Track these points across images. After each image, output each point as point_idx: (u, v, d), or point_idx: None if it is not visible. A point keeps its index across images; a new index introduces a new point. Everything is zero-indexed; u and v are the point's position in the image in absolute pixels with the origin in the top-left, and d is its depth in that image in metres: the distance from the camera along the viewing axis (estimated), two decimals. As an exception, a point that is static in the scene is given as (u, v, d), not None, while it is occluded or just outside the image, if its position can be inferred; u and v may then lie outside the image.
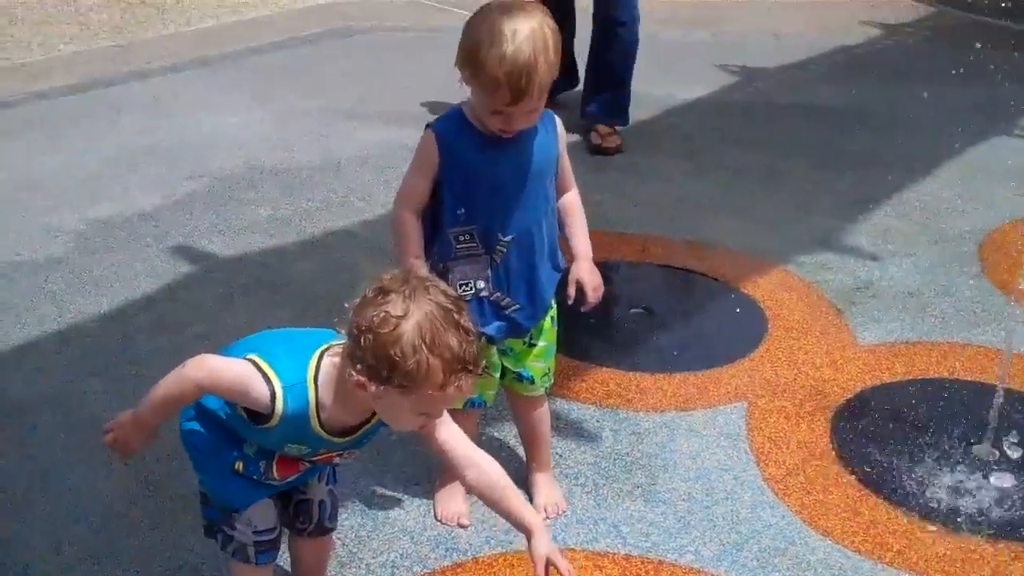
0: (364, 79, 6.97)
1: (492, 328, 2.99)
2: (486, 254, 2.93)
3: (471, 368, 2.28)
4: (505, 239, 2.92)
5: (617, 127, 5.90)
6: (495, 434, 3.57)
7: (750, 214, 5.24)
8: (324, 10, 8.51)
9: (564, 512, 3.25)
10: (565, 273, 3.10)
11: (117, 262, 4.57)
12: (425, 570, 3.03)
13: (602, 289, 3.10)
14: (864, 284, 4.62)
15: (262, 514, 2.58)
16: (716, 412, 3.74)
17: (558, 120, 3.04)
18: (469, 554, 3.09)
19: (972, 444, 3.59)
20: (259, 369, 2.38)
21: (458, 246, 2.92)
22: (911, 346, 4.17)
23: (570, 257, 3.11)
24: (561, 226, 3.09)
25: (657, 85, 6.58)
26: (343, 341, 2.35)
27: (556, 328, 3.16)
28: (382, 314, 2.24)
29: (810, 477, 3.44)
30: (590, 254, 3.10)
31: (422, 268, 2.65)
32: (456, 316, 2.27)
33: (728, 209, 5.28)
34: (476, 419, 3.27)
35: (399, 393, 2.27)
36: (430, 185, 2.92)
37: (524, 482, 3.30)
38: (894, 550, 3.16)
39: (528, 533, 2.46)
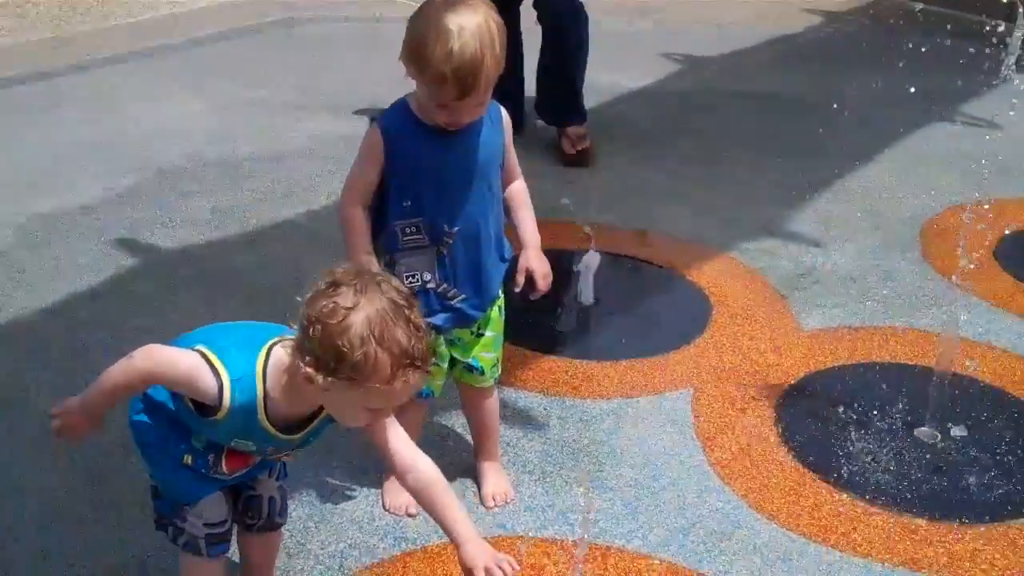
0: (307, 70, 6.93)
1: (439, 318, 2.99)
2: (432, 246, 2.93)
3: (419, 364, 2.28)
4: (451, 231, 2.92)
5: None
6: (442, 423, 3.57)
7: (694, 202, 5.27)
8: (266, 1, 8.45)
9: (512, 500, 3.26)
10: (513, 262, 3.11)
11: (59, 256, 4.53)
12: (374, 560, 3.03)
13: (551, 277, 3.11)
14: (807, 270, 4.66)
15: (213, 507, 2.57)
16: (662, 398, 3.76)
17: (503, 111, 3.04)
18: (418, 543, 3.09)
19: (914, 427, 3.64)
20: (207, 361, 2.37)
21: (404, 238, 2.92)
22: (853, 331, 4.22)
23: (518, 245, 3.12)
24: (508, 215, 3.10)
25: (602, 74, 6.58)
26: (293, 336, 2.35)
27: (503, 318, 3.17)
28: (332, 305, 2.24)
29: (755, 461, 3.47)
30: (538, 242, 3.11)
31: (373, 264, 2.65)
32: (407, 312, 2.27)
33: (672, 197, 5.31)
34: (425, 410, 3.27)
35: (346, 386, 2.26)
36: (377, 178, 2.91)
37: (472, 471, 3.31)
38: (839, 532, 3.19)
39: (457, 544, 2.44)
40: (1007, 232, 4.98)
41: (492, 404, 3.29)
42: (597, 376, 3.84)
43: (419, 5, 2.84)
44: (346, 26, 7.93)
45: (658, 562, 3.05)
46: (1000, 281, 4.60)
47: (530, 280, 3.08)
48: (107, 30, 7.63)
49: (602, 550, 3.08)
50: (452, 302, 2.99)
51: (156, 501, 2.62)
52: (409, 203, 2.89)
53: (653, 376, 3.87)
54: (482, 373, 3.16)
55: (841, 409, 3.72)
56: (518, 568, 2.44)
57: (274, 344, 2.41)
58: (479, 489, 3.28)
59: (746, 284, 4.51)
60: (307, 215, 4.98)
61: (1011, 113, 5.85)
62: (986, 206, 4.99)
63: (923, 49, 7.09)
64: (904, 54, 7.44)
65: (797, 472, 3.43)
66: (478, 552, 2.41)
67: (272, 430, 2.43)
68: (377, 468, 3.30)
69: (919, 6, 8.75)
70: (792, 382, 3.88)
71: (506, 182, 3.08)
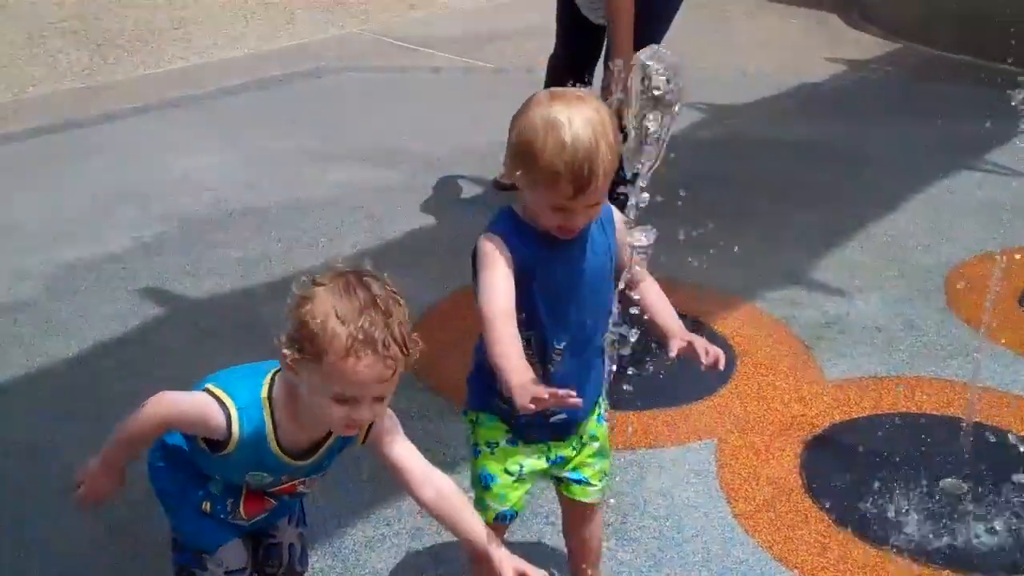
0: (333, 119, 6.98)
1: (536, 430, 2.74)
2: (540, 362, 2.64)
3: (378, 348, 2.25)
4: (559, 347, 2.67)
5: None
6: (526, 533, 3.35)
7: (717, 250, 5.26)
8: (293, 51, 8.54)
9: None
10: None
11: (86, 305, 4.56)
12: (396, 612, 3.03)
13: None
14: (832, 319, 4.65)
15: (232, 554, 2.59)
16: (686, 449, 3.75)
17: (614, 210, 2.80)
18: (440, 595, 3.09)
19: (940, 478, 3.61)
20: (214, 396, 2.42)
21: None
22: (879, 381, 4.20)
23: (663, 336, 2.80)
24: (645, 312, 2.82)
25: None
26: None
27: (605, 426, 2.92)
28: (307, 283, 2.33)
29: (780, 513, 3.45)
30: (683, 327, 2.81)
31: (529, 375, 2.42)
32: (379, 301, 2.29)
33: (696, 245, 5.29)
34: (504, 532, 2.90)
35: (311, 366, 2.28)
36: (514, 282, 2.57)
37: None
38: (864, 585, 3.17)
39: (487, 554, 2.45)
40: (1033, 281, 4.96)
41: (597, 526, 2.98)
42: (621, 426, 3.83)
43: (522, 104, 2.58)
44: (371, 76, 7.99)
45: (682, 615, 3.04)
46: (1026, 330, 4.57)
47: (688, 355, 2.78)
48: (136, 80, 7.72)
49: (626, 603, 3.08)
50: (552, 419, 2.71)
51: (175, 553, 2.64)
52: (524, 315, 2.58)
53: (677, 426, 3.86)
54: (589, 484, 2.87)
55: (866, 460, 3.70)
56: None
57: (277, 371, 2.44)
58: None
59: (770, 333, 4.51)
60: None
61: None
62: (1011, 254, 4.98)
63: (947, 96, 7.11)
64: (928, 101, 7.47)
65: (822, 523, 3.41)
66: (514, 560, 2.43)
67: (283, 456, 2.46)
68: (398, 518, 3.30)
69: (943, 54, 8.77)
70: (817, 432, 3.86)
71: (631, 284, 2.79)
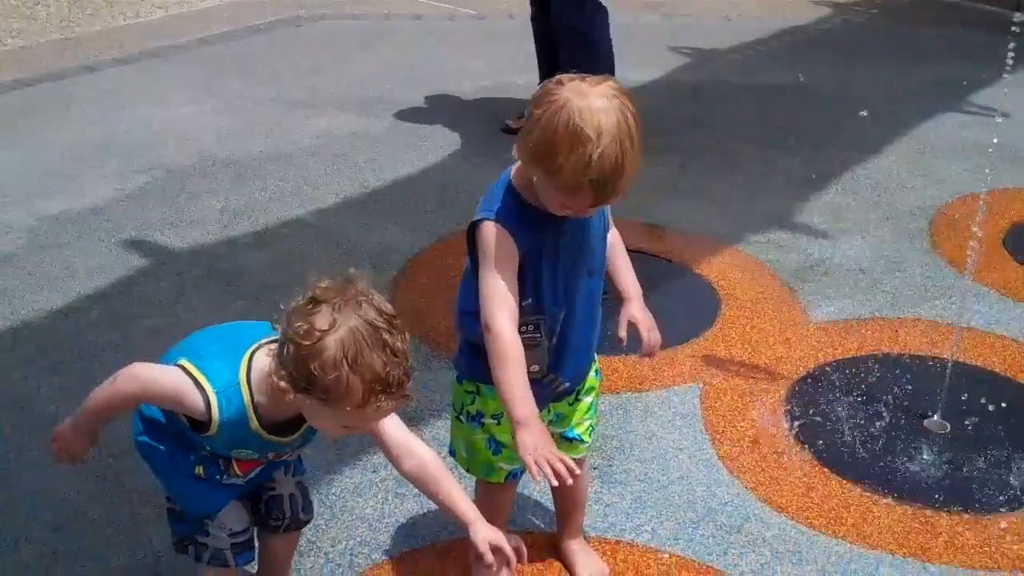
0: (315, 68, 6.94)
1: (540, 400, 2.59)
2: (546, 340, 2.63)
3: (393, 390, 2.23)
4: (567, 323, 2.64)
5: None
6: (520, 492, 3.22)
7: (702, 195, 5.27)
8: (274, -1, 8.49)
9: None
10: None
11: (69, 257, 4.54)
12: (383, 556, 3.05)
13: (657, 330, 2.83)
14: (816, 262, 4.66)
15: (234, 516, 2.56)
16: (671, 392, 3.77)
17: None
18: (427, 539, 3.10)
19: (924, 417, 3.64)
20: (191, 376, 2.35)
21: (523, 336, 2.54)
22: (863, 322, 4.21)
23: (618, 296, 2.83)
24: (608, 266, 2.80)
25: (609, 68, 6.59)
26: (276, 336, 2.32)
27: (599, 378, 2.91)
28: (306, 327, 2.20)
29: (764, 454, 3.47)
30: (640, 293, 2.83)
31: (535, 420, 2.44)
32: (385, 335, 2.21)
33: (681, 190, 5.31)
34: (514, 490, 2.98)
35: (319, 404, 2.24)
36: (517, 282, 2.52)
37: (555, 548, 3.09)
38: (848, 524, 3.19)
39: (465, 524, 2.44)
40: (1016, 221, 4.98)
41: (583, 473, 2.89)
42: (605, 370, 3.77)
43: (542, 87, 2.45)
44: (353, 23, 7.95)
45: (667, 555, 3.06)
46: (1009, 270, 4.59)
47: (634, 331, 2.80)
48: (116, 30, 7.66)
49: (611, 544, 3.10)
50: (557, 389, 2.72)
51: (174, 524, 2.61)
52: (530, 300, 2.55)
53: (662, 370, 3.87)
54: (581, 441, 2.87)
55: (850, 401, 3.73)
56: (525, 552, 2.46)
57: (256, 349, 2.38)
58: (570, 571, 3.03)
59: (755, 277, 4.51)
60: (316, 213, 4.99)
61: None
62: (995, 195, 5.00)
63: (932, 39, 7.09)
64: (913, 44, 7.46)
65: (806, 464, 3.43)
66: (489, 531, 2.41)
67: (267, 435, 2.41)
68: (385, 466, 3.31)
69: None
70: (801, 374, 3.88)
71: None
